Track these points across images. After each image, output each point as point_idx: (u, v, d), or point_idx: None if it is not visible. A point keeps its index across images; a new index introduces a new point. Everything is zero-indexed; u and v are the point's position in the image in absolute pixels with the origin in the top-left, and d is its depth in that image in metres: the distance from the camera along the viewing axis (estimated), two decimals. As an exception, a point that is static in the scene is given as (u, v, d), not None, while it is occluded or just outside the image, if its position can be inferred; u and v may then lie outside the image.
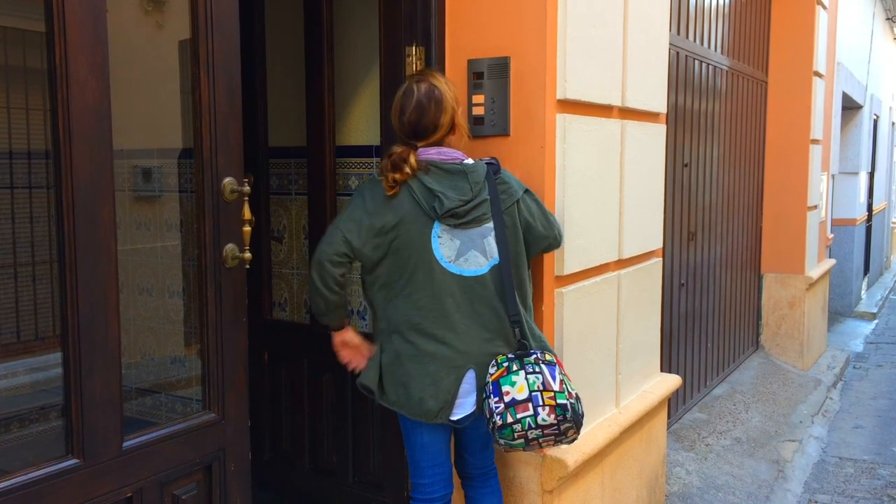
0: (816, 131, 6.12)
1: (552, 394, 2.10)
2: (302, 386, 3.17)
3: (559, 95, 2.52)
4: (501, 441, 2.13)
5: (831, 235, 7.98)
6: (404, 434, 2.34)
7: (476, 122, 2.57)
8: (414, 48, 2.60)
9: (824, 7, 6.12)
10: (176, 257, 2.84)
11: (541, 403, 2.08)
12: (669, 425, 4.26)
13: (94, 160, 1.72)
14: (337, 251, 2.14)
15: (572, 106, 2.59)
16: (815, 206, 6.29)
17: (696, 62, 4.58)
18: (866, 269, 10.76)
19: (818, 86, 6.09)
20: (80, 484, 1.73)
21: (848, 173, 9.23)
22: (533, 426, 2.09)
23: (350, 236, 2.14)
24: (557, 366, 2.18)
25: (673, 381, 3.47)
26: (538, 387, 2.10)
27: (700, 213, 4.82)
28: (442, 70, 2.64)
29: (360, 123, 3.04)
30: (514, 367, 2.14)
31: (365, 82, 3.01)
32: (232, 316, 2.07)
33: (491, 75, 2.53)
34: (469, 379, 2.19)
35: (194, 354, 2.22)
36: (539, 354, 2.18)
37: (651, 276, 3.31)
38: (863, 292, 10.27)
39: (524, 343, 2.20)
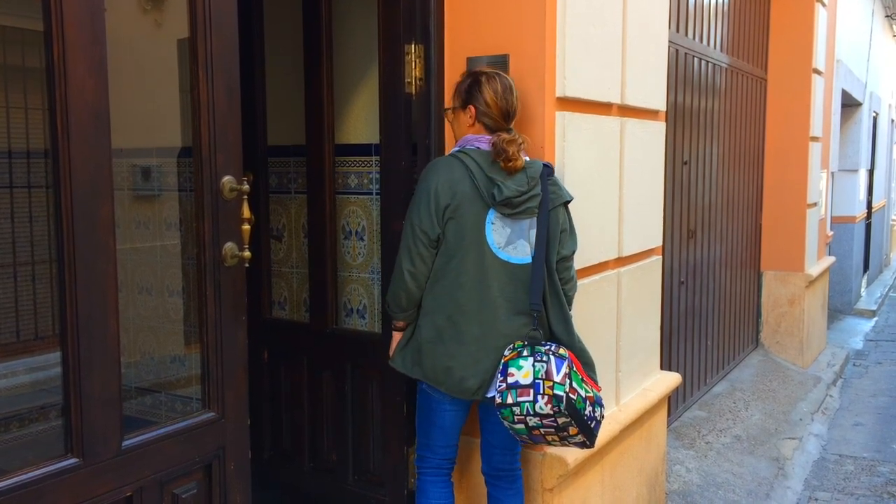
0: (816, 129, 6.12)
1: (551, 383, 2.15)
2: (301, 384, 3.17)
3: (558, 93, 2.51)
4: (505, 423, 2.20)
5: (831, 233, 7.98)
6: (424, 413, 2.43)
7: (475, 120, 2.57)
8: (413, 46, 2.60)
9: (823, 4, 6.12)
10: (175, 256, 2.84)
11: (541, 392, 2.15)
12: (669, 423, 4.26)
13: (93, 159, 1.72)
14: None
15: (571, 104, 2.59)
16: (815, 204, 6.28)
17: (696, 60, 4.57)
18: (866, 267, 10.76)
19: (817, 83, 6.09)
20: (79, 483, 1.73)
21: (847, 171, 9.23)
22: (531, 413, 2.15)
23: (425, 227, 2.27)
24: (569, 361, 2.22)
25: (673, 378, 3.47)
26: (542, 375, 2.16)
27: (700, 210, 4.82)
28: (441, 68, 2.64)
29: (360, 122, 3.04)
30: (525, 353, 2.22)
31: (364, 80, 3.01)
32: (231, 315, 2.07)
33: (490, 73, 2.53)
34: (500, 361, 2.28)
35: (194, 353, 2.22)
36: (553, 347, 2.24)
37: (651, 274, 3.31)
38: (862, 290, 10.27)
39: (539, 332, 2.28)
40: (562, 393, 2.14)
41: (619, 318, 3.01)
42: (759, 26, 5.86)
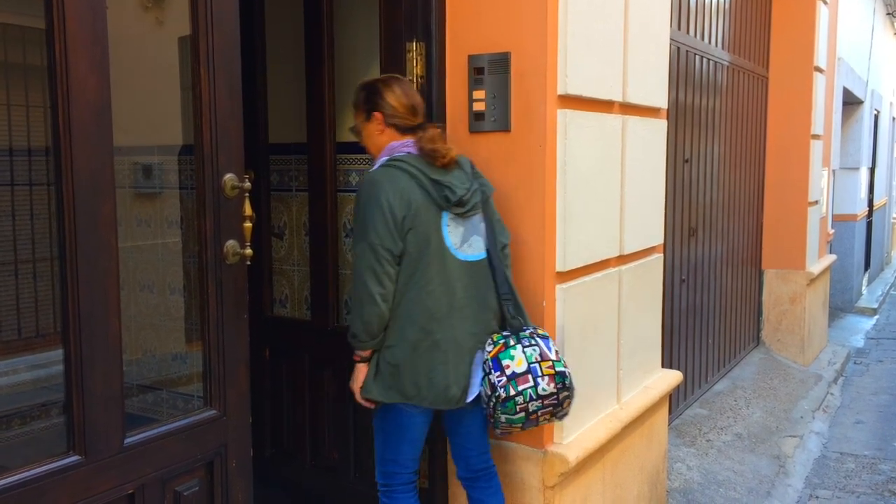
0: (817, 127, 6.12)
1: (550, 363, 2.22)
2: (303, 382, 3.17)
3: (560, 91, 2.51)
4: (503, 418, 2.19)
5: (832, 231, 7.98)
6: (393, 430, 2.33)
7: (477, 118, 2.57)
8: (414, 44, 2.60)
9: (825, 2, 6.11)
10: (177, 254, 2.84)
11: (540, 374, 2.19)
12: (670, 421, 4.26)
13: (95, 157, 1.72)
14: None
15: (573, 101, 2.59)
16: (816, 202, 6.28)
17: (697, 57, 4.57)
18: (867, 265, 10.76)
19: (819, 81, 6.08)
20: (81, 480, 1.73)
21: (848, 169, 9.22)
22: (534, 397, 2.18)
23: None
24: (551, 339, 2.28)
25: (674, 376, 3.47)
26: (536, 358, 2.20)
27: (701, 208, 4.82)
28: (442, 66, 2.64)
29: (361, 120, 3.03)
30: (512, 342, 2.23)
31: (365, 78, 3.00)
32: (233, 312, 2.07)
33: (492, 71, 2.53)
34: (478, 360, 2.27)
35: (195, 351, 2.22)
36: (532, 329, 2.29)
37: (652, 272, 3.31)
38: (863, 288, 10.27)
39: (519, 319, 2.30)
40: (563, 369, 2.22)
41: (620, 316, 3.00)
42: (761, 24, 5.86)
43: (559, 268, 2.56)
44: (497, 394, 2.17)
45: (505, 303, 2.31)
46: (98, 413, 1.76)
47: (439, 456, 2.69)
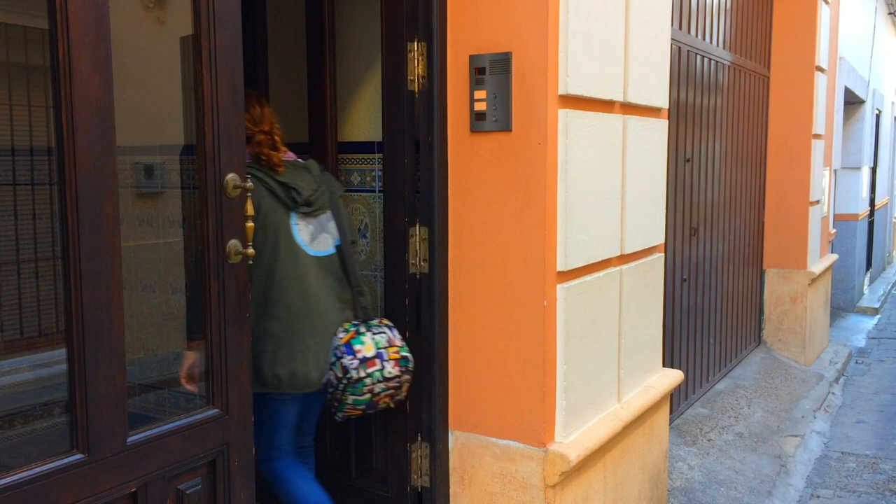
0: (818, 126, 6.12)
1: (396, 348, 2.49)
2: (305, 381, 3.17)
3: (561, 90, 2.51)
4: (350, 399, 2.43)
5: (833, 231, 7.97)
6: (265, 419, 2.52)
7: (478, 117, 2.57)
8: (416, 44, 2.61)
9: (826, 2, 6.11)
10: (178, 253, 2.85)
11: (386, 358, 2.45)
12: (671, 420, 4.27)
13: (97, 156, 1.73)
14: None
15: (574, 101, 2.59)
16: (818, 202, 6.28)
17: (698, 57, 4.57)
18: (868, 265, 10.76)
19: (820, 80, 6.08)
20: (84, 479, 1.74)
21: (850, 168, 9.22)
22: (380, 379, 2.47)
23: None
24: (396, 329, 2.58)
25: (675, 376, 3.47)
26: (384, 344, 2.47)
27: (702, 208, 4.82)
28: (444, 66, 2.64)
29: (362, 119, 3.04)
30: (362, 330, 2.52)
31: (366, 78, 3.01)
32: (235, 311, 2.08)
33: (493, 71, 2.54)
34: (331, 346, 2.52)
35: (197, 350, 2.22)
36: (378, 320, 2.51)
37: (653, 271, 3.31)
38: (865, 287, 10.27)
39: (368, 310, 2.62)
40: (407, 354, 2.54)
41: (621, 316, 3.01)
42: (762, 24, 5.86)
43: (560, 267, 2.56)
44: (349, 375, 2.41)
45: (357, 294, 2.58)
46: (101, 412, 1.76)
47: (440, 456, 2.70)
